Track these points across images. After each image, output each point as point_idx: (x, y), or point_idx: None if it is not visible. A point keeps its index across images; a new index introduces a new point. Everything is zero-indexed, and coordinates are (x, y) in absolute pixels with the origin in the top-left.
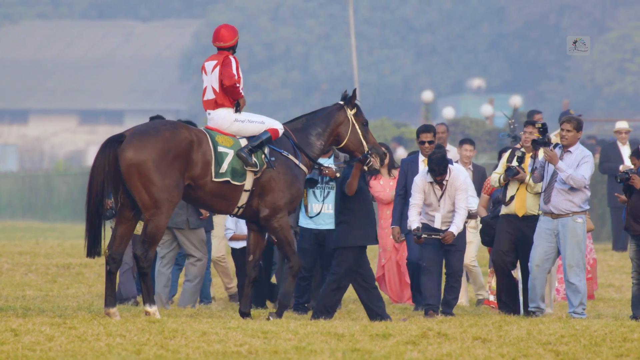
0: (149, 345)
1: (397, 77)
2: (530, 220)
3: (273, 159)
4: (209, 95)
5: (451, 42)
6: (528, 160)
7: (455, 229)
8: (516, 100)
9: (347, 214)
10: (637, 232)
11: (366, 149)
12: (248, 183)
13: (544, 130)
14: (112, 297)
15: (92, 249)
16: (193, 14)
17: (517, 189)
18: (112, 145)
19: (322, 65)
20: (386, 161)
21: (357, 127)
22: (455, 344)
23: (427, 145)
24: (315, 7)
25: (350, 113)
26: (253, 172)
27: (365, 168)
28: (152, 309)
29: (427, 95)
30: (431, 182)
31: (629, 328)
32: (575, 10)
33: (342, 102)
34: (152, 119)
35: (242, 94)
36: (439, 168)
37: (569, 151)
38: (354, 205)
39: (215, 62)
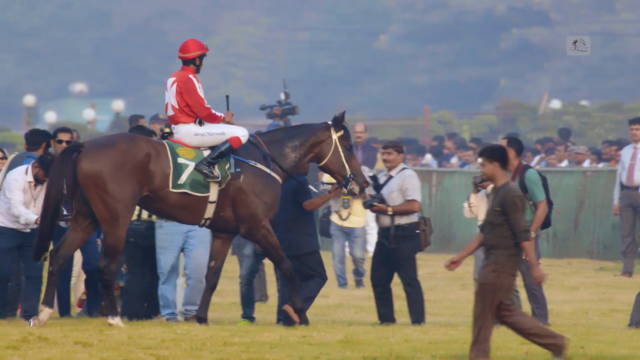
0: None
1: (1, 82)
2: None
3: (239, 169)
4: (170, 112)
5: (55, 47)
6: None
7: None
8: (118, 104)
9: (297, 222)
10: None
11: (348, 172)
12: (213, 195)
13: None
14: (50, 297)
15: (39, 253)
16: None
17: None
18: (70, 154)
19: None
20: None
21: (339, 149)
22: (56, 348)
23: (64, 144)
24: None
25: (336, 135)
26: (217, 183)
27: (345, 190)
28: (115, 320)
29: (29, 100)
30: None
31: (230, 332)
32: (178, 15)
33: (329, 122)
34: None
35: (217, 113)
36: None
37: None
38: (299, 216)
39: (174, 79)
